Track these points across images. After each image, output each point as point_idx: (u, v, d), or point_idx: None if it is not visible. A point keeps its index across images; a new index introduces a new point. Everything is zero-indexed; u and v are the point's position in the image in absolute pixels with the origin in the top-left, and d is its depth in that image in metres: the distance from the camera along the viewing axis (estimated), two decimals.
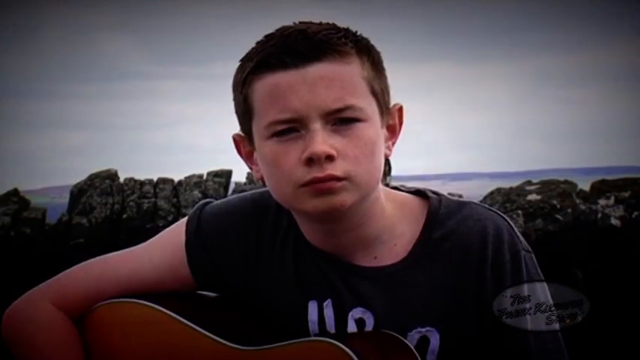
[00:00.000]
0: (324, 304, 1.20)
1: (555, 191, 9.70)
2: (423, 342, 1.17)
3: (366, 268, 1.20)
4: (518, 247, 1.19)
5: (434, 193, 1.24)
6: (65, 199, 11.56)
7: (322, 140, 1.11)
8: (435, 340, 1.17)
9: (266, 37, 1.16)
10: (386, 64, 1.21)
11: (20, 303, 1.28)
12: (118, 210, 10.76)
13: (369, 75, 1.16)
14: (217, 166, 11.55)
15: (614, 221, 9.48)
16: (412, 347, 1.14)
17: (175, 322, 1.21)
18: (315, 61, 1.12)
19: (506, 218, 1.22)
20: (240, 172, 11.29)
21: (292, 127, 1.12)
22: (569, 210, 9.57)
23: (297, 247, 1.22)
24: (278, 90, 1.12)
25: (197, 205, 1.31)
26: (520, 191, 9.79)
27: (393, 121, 1.20)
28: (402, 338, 1.14)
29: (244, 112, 1.18)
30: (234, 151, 1.25)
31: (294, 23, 1.17)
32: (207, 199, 1.33)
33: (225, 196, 7.97)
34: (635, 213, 9.56)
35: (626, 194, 9.56)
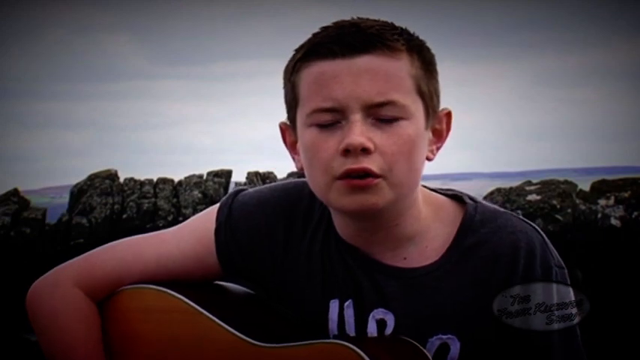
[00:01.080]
0: (345, 304, 1.19)
1: (555, 191, 9.71)
2: (443, 349, 1.16)
3: (394, 267, 1.18)
4: (550, 263, 1.18)
5: (470, 198, 1.23)
6: (65, 199, 11.57)
7: (360, 132, 1.10)
8: (455, 348, 1.16)
9: (321, 28, 1.17)
10: None
11: (44, 282, 1.27)
12: (118, 210, 10.77)
13: (418, 74, 1.14)
14: (217, 166, 11.59)
15: (614, 221, 9.50)
16: (430, 357, 1.12)
17: (196, 313, 1.21)
18: (363, 53, 1.12)
19: (541, 232, 1.20)
20: (240, 172, 11.31)
21: (333, 117, 1.12)
22: (569, 210, 9.58)
23: (326, 242, 1.21)
24: (323, 78, 1.13)
25: (230, 193, 1.30)
26: (520, 191, 9.80)
27: (440, 125, 1.18)
28: (420, 347, 1.13)
29: (291, 99, 1.18)
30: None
31: (352, 18, 1.17)
32: (240, 187, 1.32)
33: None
34: (635, 213, 9.58)
35: (626, 194, 9.58)
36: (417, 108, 1.13)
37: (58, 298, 1.25)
